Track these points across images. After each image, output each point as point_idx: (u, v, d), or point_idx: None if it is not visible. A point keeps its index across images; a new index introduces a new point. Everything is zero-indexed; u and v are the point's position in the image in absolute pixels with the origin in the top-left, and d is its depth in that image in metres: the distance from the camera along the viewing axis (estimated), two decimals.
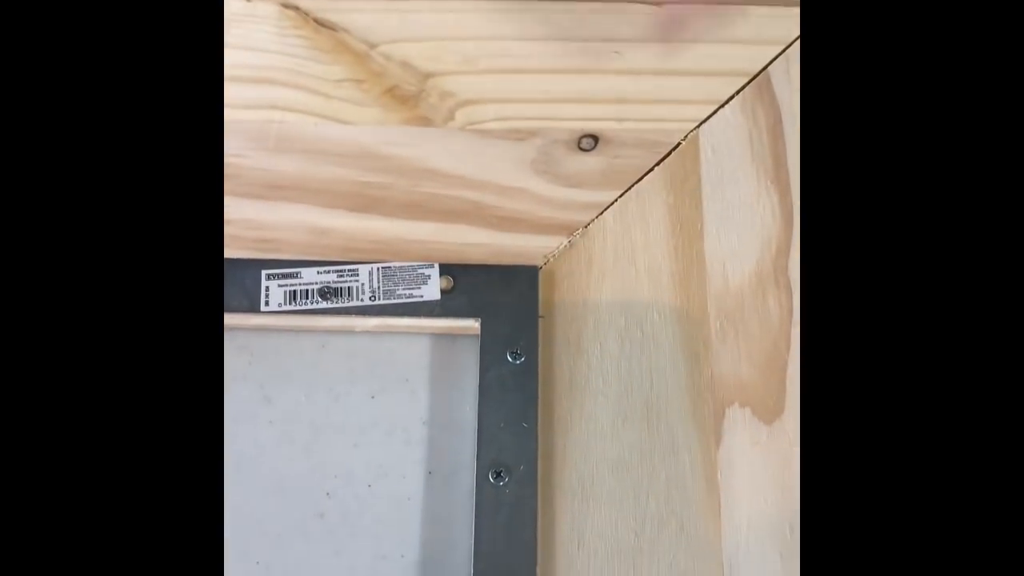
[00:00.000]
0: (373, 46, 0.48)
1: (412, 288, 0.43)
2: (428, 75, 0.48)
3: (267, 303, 0.42)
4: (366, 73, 0.48)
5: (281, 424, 0.42)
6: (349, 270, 0.43)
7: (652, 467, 0.41)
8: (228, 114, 0.46)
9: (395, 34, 0.48)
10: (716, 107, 0.47)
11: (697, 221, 0.45)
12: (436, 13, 0.49)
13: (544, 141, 0.46)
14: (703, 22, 0.49)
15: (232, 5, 0.49)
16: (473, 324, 0.43)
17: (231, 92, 0.46)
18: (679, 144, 0.46)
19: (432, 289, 0.43)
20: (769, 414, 0.41)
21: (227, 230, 0.44)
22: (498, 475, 0.40)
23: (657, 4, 0.49)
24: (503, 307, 0.42)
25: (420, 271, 0.43)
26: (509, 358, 0.41)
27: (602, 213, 0.45)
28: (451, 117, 0.47)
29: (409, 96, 0.47)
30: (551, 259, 0.44)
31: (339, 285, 0.43)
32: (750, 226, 0.45)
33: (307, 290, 0.43)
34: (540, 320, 0.42)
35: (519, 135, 0.46)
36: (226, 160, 0.45)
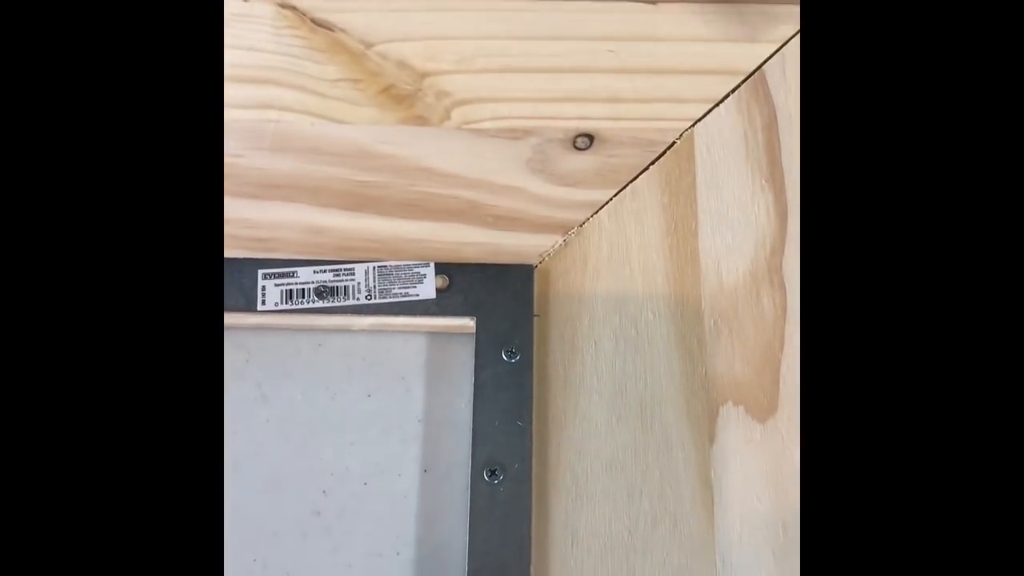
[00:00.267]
0: (369, 46, 0.48)
1: (408, 287, 0.43)
2: (424, 74, 0.48)
3: (263, 302, 0.43)
4: (362, 73, 0.48)
5: (277, 422, 0.42)
6: (345, 269, 0.43)
7: (646, 465, 0.41)
8: (225, 113, 0.46)
9: (391, 34, 0.49)
10: (711, 106, 0.47)
11: (692, 220, 0.45)
12: (432, 13, 0.49)
13: (539, 140, 0.46)
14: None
15: (229, 5, 0.49)
16: (468, 323, 0.43)
17: (227, 92, 0.47)
18: (674, 143, 0.47)
19: (428, 288, 0.43)
20: (763, 412, 0.42)
21: (224, 229, 0.44)
22: (493, 473, 0.40)
23: (652, 3, 0.49)
24: (498, 306, 0.43)
25: (416, 270, 0.43)
26: (504, 357, 0.42)
27: (597, 212, 0.45)
28: (447, 116, 0.47)
29: (405, 95, 0.47)
30: (546, 258, 0.44)
31: (335, 284, 0.43)
32: (744, 225, 0.45)
33: (303, 289, 0.43)
34: (535, 319, 0.43)
35: (515, 134, 0.47)
36: None
